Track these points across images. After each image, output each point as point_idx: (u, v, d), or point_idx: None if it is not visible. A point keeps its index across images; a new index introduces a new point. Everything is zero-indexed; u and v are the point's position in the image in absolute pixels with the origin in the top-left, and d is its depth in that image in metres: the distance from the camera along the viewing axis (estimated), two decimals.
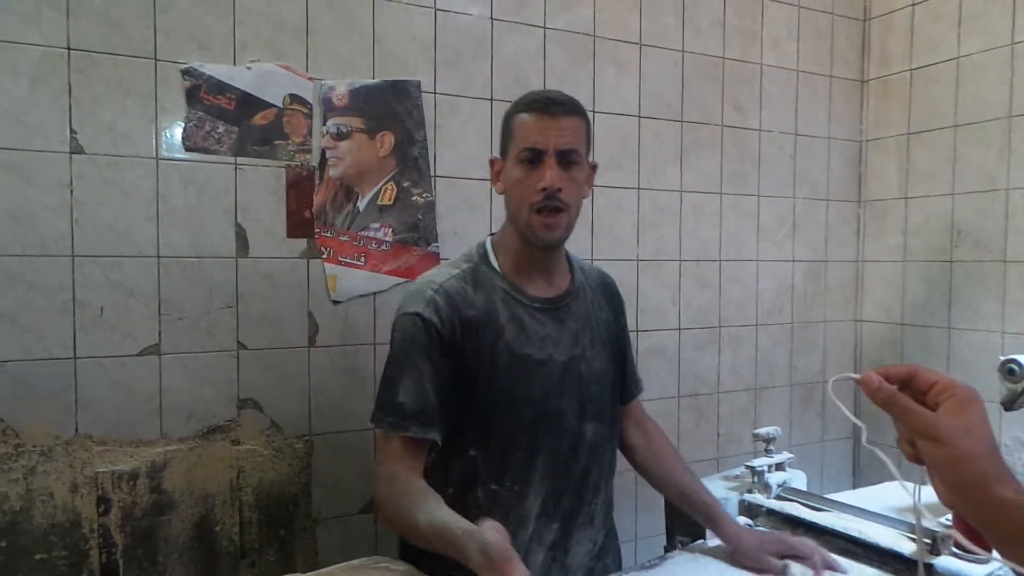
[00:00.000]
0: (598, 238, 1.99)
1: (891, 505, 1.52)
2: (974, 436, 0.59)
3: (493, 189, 1.27)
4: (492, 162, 1.27)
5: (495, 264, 1.25)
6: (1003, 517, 0.57)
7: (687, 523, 1.54)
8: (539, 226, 1.17)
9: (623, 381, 1.41)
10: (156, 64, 1.48)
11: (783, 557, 1.25)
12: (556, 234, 1.19)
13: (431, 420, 1.14)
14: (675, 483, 1.39)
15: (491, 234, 1.31)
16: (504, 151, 1.23)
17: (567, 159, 1.17)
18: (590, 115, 1.92)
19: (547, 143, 1.15)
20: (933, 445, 0.60)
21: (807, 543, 1.27)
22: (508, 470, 1.20)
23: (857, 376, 0.66)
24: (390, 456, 1.15)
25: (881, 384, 0.63)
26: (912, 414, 0.61)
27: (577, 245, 1.94)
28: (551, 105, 1.18)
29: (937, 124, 2.22)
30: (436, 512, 1.04)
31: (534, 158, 1.16)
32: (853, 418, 0.74)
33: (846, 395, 2.46)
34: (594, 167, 1.29)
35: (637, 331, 2.06)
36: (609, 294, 1.39)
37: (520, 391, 1.19)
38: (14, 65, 1.37)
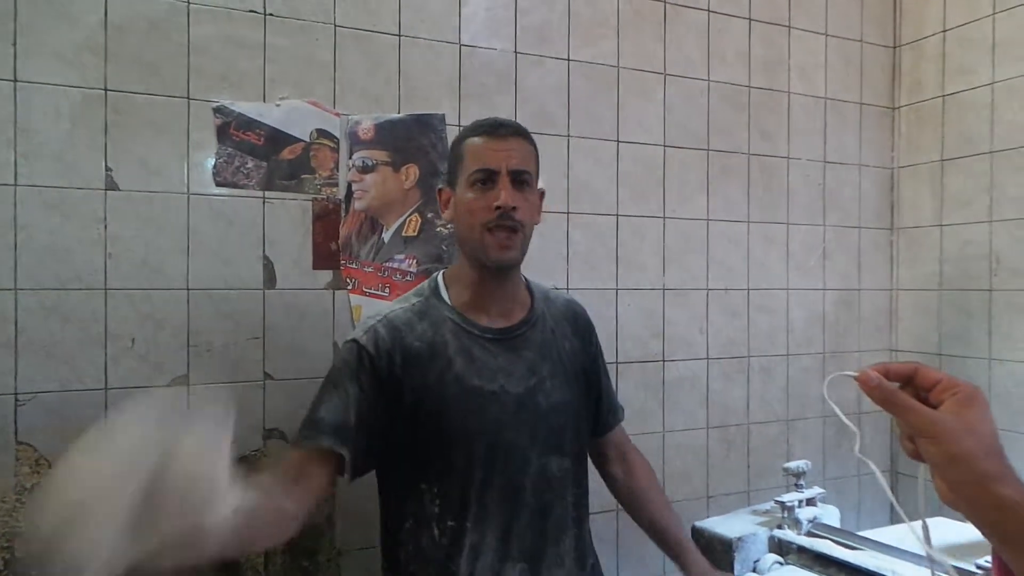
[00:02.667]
0: (623, 267, 1.98)
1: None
2: (975, 435, 0.57)
3: (443, 216, 1.28)
4: (440, 191, 1.28)
5: (445, 297, 1.24)
6: (1003, 516, 0.55)
7: (715, 560, 1.50)
8: (493, 246, 1.17)
9: (597, 412, 1.38)
10: (189, 103, 1.53)
11: None
12: (510, 254, 1.18)
13: (345, 437, 1.12)
14: (649, 516, 1.38)
15: (443, 270, 1.32)
16: (452, 179, 1.23)
17: (519, 179, 1.18)
18: (615, 145, 1.98)
19: (499, 163, 1.17)
20: (933, 443, 0.58)
21: None
22: (461, 504, 1.17)
23: (855, 373, 0.64)
24: (284, 464, 1.13)
25: (880, 382, 0.62)
26: (911, 412, 0.60)
27: (602, 274, 1.95)
28: (500, 128, 1.20)
29: (972, 151, 2.18)
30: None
31: (486, 179, 1.17)
32: (848, 422, 0.72)
33: (882, 425, 2.39)
34: (543, 194, 1.28)
35: (664, 361, 2.03)
36: (576, 323, 1.36)
37: (470, 423, 1.17)
38: (57, 107, 1.43)
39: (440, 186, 1.28)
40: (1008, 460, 0.58)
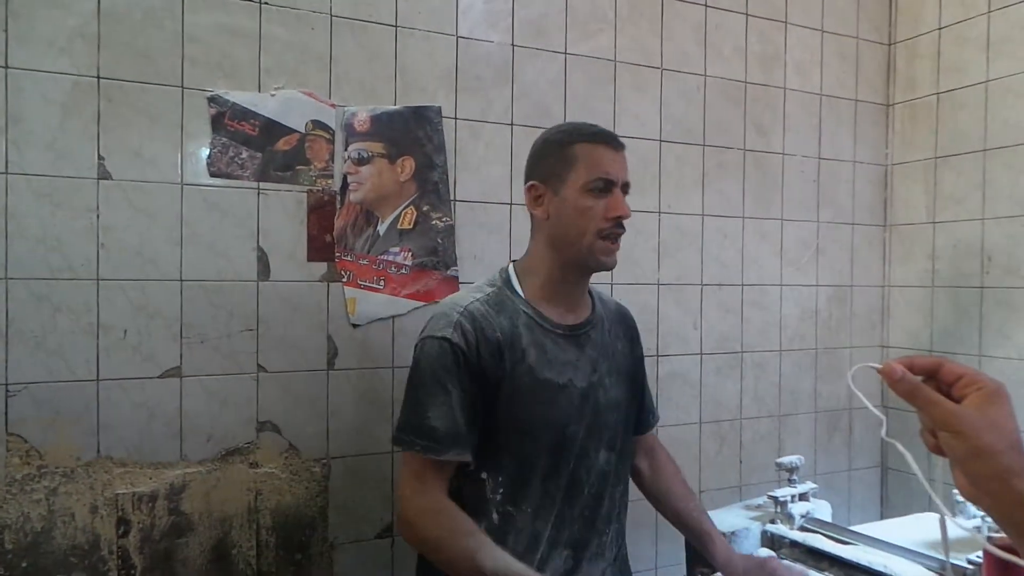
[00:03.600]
0: (619, 262, 1.97)
1: (918, 538, 1.47)
2: (997, 430, 0.57)
3: (533, 213, 1.29)
4: (532, 186, 1.28)
5: (518, 289, 1.27)
6: (1023, 511, 0.56)
7: (701, 557, 1.51)
8: (604, 251, 1.23)
9: (639, 412, 1.42)
10: (183, 92, 1.51)
11: None
12: (615, 259, 1.27)
13: (464, 443, 1.17)
14: (673, 505, 1.43)
15: (513, 260, 1.34)
16: (554, 178, 1.25)
17: (626, 190, 1.26)
18: None
19: (618, 175, 1.24)
20: (955, 438, 0.58)
21: (793, 569, 1.31)
22: (522, 493, 1.21)
23: (878, 366, 0.64)
24: (425, 481, 1.17)
25: (904, 375, 0.62)
26: (935, 406, 0.60)
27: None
28: (615, 140, 1.27)
29: (965, 148, 2.19)
30: (504, 561, 1.08)
31: (606, 188, 1.22)
32: (873, 409, 0.72)
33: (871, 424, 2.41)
34: None
35: (657, 356, 2.04)
36: (626, 325, 1.42)
37: (540, 415, 1.21)
38: (47, 94, 1.41)
39: (532, 182, 1.28)
40: None
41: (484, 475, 1.21)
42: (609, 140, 1.26)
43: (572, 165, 1.23)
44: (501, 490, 1.21)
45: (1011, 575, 1.22)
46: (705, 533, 1.37)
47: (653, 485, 1.46)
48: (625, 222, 1.25)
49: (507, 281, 1.28)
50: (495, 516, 1.21)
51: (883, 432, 0.68)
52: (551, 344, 1.24)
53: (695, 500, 1.45)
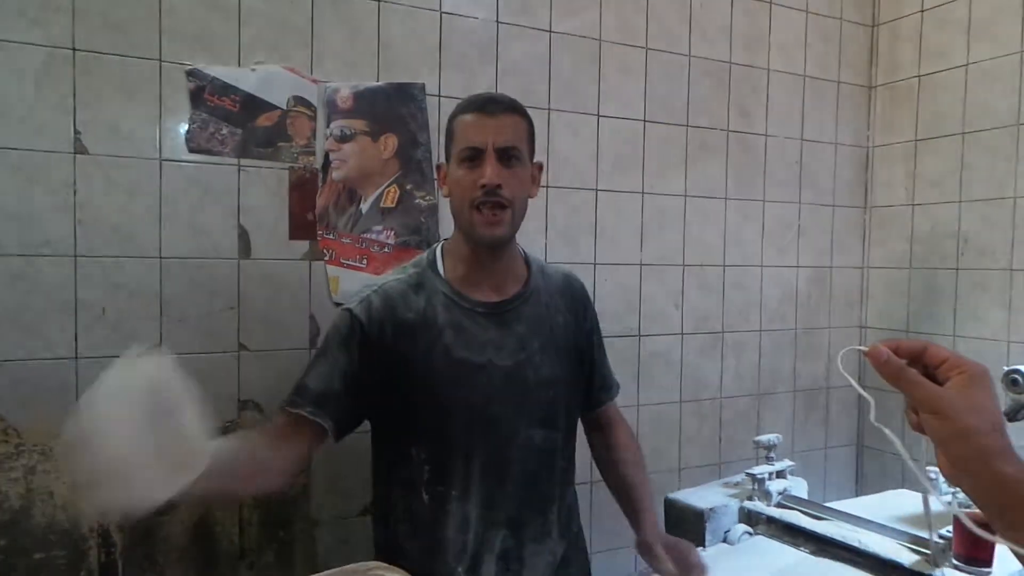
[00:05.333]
0: (601, 242, 1.98)
1: (892, 514, 1.51)
2: (979, 412, 0.59)
3: (440, 192, 1.28)
4: (438, 167, 1.28)
5: (440, 270, 1.25)
6: (1004, 493, 0.57)
7: (686, 530, 1.53)
8: (480, 223, 1.18)
9: (589, 387, 1.40)
10: (161, 65, 1.48)
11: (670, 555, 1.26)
12: (498, 231, 1.19)
13: (328, 406, 1.15)
14: (616, 477, 1.40)
15: (444, 239, 1.32)
16: (448, 154, 1.24)
17: (507, 155, 1.18)
18: (595, 119, 1.97)
19: (485, 141, 1.17)
20: (938, 419, 0.60)
21: (692, 554, 1.27)
22: (447, 473, 1.20)
23: (865, 348, 0.65)
24: (270, 427, 1.19)
25: (889, 357, 0.63)
26: (919, 388, 0.61)
27: (580, 249, 1.95)
28: (489, 104, 1.20)
29: (945, 131, 2.21)
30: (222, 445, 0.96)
31: (474, 156, 1.17)
32: (862, 392, 0.74)
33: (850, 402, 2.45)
34: (540, 167, 1.29)
35: (639, 335, 2.05)
36: (570, 297, 1.36)
37: (456, 394, 1.20)
38: (19, 66, 1.38)
39: (439, 162, 1.28)
40: (1010, 439, 0.59)
41: (413, 451, 1.21)
42: (481, 106, 1.19)
43: (453, 139, 1.22)
44: (427, 467, 1.21)
45: (981, 547, 1.26)
46: (635, 507, 1.35)
47: (601, 459, 1.44)
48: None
49: (432, 262, 1.27)
50: (425, 496, 1.21)
51: (871, 416, 0.69)
52: (470, 323, 1.22)
53: (640, 471, 1.40)
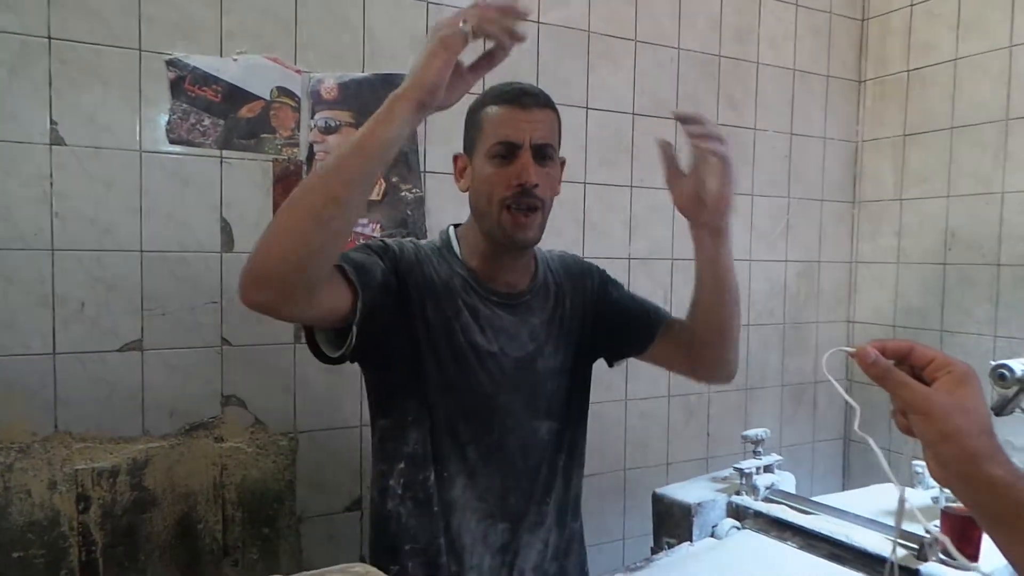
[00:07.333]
0: (589, 235, 1.97)
1: (879, 508, 1.51)
2: (967, 413, 0.58)
3: (457, 186, 1.21)
4: (456, 158, 1.22)
5: (458, 252, 1.21)
6: (992, 495, 0.57)
7: (674, 525, 1.53)
8: (511, 225, 1.11)
9: (642, 326, 1.32)
10: (140, 54, 1.45)
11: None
12: (530, 235, 1.13)
13: (367, 278, 1.05)
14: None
15: (455, 225, 1.26)
16: (470, 147, 1.18)
17: (542, 153, 1.12)
18: (583, 112, 1.95)
19: (522, 136, 1.09)
20: (925, 421, 0.59)
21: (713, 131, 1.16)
22: (450, 456, 1.17)
23: (852, 349, 0.65)
24: None
25: (877, 358, 0.63)
26: (906, 389, 0.61)
27: (568, 242, 1.93)
28: (524, 96, 1.11)
29: (933, 126, 2.21)
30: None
31: (508, 153, 1.10)
32: (848, 398, 0.73)
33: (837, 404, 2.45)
34: (563, 163, 1.23)
35: None
36: (572, 276, 1.31)
37: (464, 379, 1.16)
38: None
39: (456, 153, 1.22)
40: (999, 440, 0.58)
41: (417, 433, 1.16)
42: (516, 98, 1.11)
43: (480, 130, 1.13)
44: (433, 449, 1.16)
45: (969, 538, 1.26)
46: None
47: (690, 318, 1.31)
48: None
49: (447, 243, 1.22)
50: (431, 474, 1.17)
51: (856, 425, 0.69)
52: (485, 309, 1.18)
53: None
